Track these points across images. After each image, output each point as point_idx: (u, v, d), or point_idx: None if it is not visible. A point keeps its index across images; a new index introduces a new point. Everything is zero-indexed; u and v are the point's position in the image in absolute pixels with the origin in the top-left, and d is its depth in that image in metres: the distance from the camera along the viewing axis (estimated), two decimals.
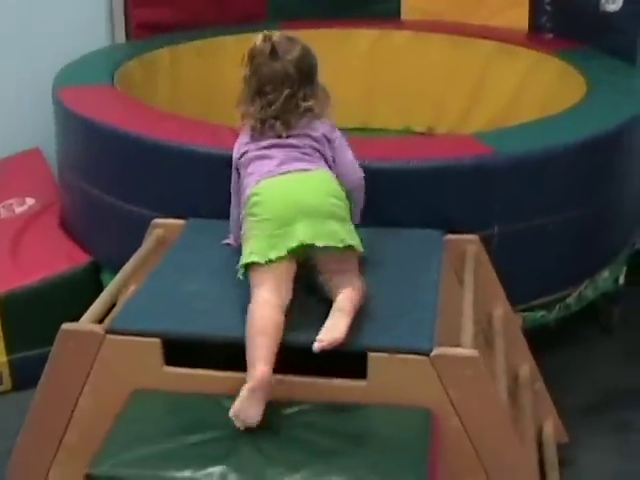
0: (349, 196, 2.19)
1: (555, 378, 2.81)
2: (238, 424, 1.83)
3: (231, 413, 1.82)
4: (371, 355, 1.95)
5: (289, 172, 2.13)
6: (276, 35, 2.18)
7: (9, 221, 3.32)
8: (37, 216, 3.32)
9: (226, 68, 3.73)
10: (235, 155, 2.28)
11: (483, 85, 3.93)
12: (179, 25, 4.01)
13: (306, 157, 2.17)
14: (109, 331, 2.05)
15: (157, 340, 2.04)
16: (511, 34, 3.93)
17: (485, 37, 3.91)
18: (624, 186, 2.94)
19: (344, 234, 2.04)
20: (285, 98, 2.15)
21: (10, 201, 3.48)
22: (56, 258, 3.03)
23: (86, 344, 2.05)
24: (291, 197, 2.07)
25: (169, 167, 2.64)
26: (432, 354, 1.93)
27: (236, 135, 2.34)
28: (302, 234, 2.01)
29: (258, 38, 2.18)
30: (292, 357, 1.93)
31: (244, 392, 1.82)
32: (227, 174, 2.36)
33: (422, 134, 4.15)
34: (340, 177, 2.21)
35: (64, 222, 3.19)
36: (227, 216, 2.40)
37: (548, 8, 3.89)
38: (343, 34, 4.12)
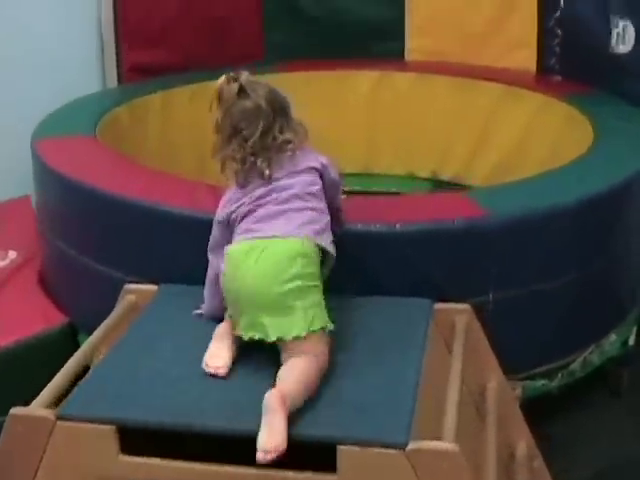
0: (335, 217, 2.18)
1: (561, 447, 2.66)
2: (211, 371, 1.98)
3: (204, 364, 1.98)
4: (341, 448, 1.78)
5: (254, 239, 2.03)
6: (242, 75, 2.11)
7: None
8: (17, 270, 3.17)
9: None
10: (225, 210, 2.15)
11: (488, 129, 3.77)
12: (173, 67, 3.88)
13: (289, 211, 2.07)
14: (60, 417, 1.89)
15: (112, 427, 1.88)
16: (518, 76, 3.77)
17: (491, 79, 3.75)
18: (632, 242, 2.76)
19: (272, 328, 1.95)
20: (261, 132, 2.07)
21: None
22: (32, 318, 2.87)
23: (36, 430, 1.90)
24: (235, 284, 2.01)
25: (141, 228, 2.49)
26: (408, 448, 1.76)
27: (216, 194, 2.23)
28: (241, 323, 2.00)
29: (221, 81, 2.12)
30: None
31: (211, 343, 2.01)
32: (203, 237, 2.22)
33: (426, 180, 3.99)
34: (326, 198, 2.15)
35: (42, 278, 3.04)
36: (203, 282, 2.24)
37: (557, 49, 3.73)
38: (343, 75, 3.98)
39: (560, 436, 2.76)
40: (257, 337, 1.98)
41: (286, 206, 2.08)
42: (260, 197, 2.10)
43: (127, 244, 2.55)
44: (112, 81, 3.88)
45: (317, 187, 2.15)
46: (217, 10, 3.94)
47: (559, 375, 2.63)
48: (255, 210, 2.09)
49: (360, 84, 3.98)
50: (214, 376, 1.98)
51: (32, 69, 3.78)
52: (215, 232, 2.21)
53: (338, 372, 2.01)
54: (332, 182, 2.21)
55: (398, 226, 2.33)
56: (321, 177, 2.18)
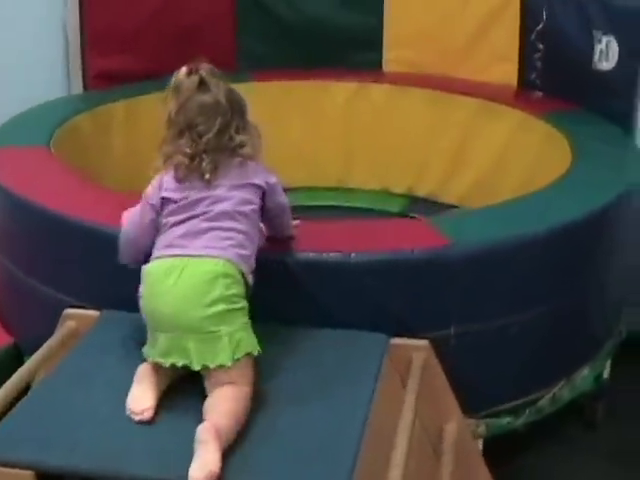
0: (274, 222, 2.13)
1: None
2: (135, 417, 1.84)
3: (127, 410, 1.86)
4: None
5: (175, 256, 1.94)
6: (203, 67, 2.06)
7: None
8: None
9: None
10: (159, 195, 2.03)
11: (465, 146, 3.64)
12: (141, 74, 3.71)
13: (217, 229, 1.97)
14: None
15: (30, 473, 1.75)
16: (498, 91, 3.63)
17: (470, 94, 3.61)
18: (606, 273, 2.63)
19: (196, 354, 1.86)
20: (218, 130, 1.99)
21: None
22: None
23: None
24: (153, 304, 1.93)
25: (84, 249, 2.35)
26: None
27: None
28: (158, 347, 1.91)
29: (181, 72, 2.08)
30: None
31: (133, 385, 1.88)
32: None
33: (401, 196, 3.85)
34: (267, 220, 2.11)
35: None
36: None
37: (538, 64, 3.59)
38: (319, 86, 3.83)
39: (531, 472, 2.66)
40: (180, 364, 1.87)
41: (214, 224, 1.97)
42: (192, 204, 1.98)
43: (70, 265, 2.41)
44: (77, 87, 3.73)
45: (252, 207, 2.03)
46: (187, 17, 3.79)
47: (526, 412, 2.49)
48: (182, 221, 1.98)
49: (336, 95, 3.84)
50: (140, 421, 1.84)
51: None
52: (143, 211, 2.06)
53: (279, 408, 1.89)
54: (277, 204, 2.12)
55: (353, 255, 2.19)
56: (263, 196, 2.07)
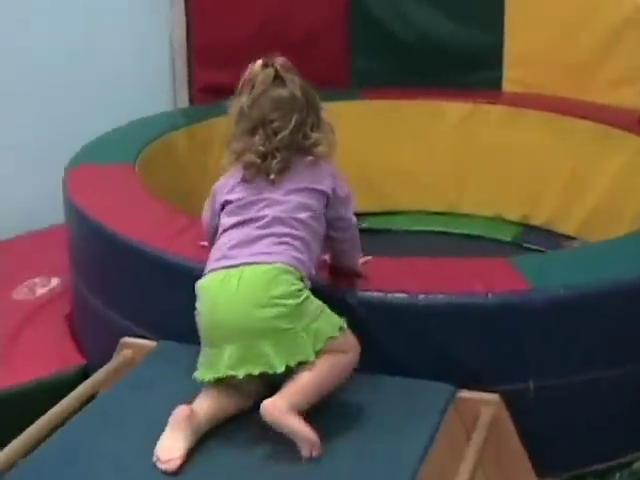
0: (337, 248, 2.02)
1: None
2: (161, 466, 1.69)
3: (154, 457, 1.70)
4: None
5: (229, 267, 1.85)
6: (279, 60, 1.98)
7: (24, 304, 3.03)
8: (52, 301, 3.01)
9: None
10: (220, 199, 1.96)
11: (584, 172, 3.38)
12: None
13: (271, 236, 1.87)
14: None
15: None
16: (621, 115, 3.36)
17: (590, 117, 3.35)
18: None
19: (276, 357, 1.77)
20: (294, 125, 1.89)
21: (36, 279, 3.19)
22: (50, 357, 2.69)
23: None
24: (216, 315, 1.82)
25: (148, 277, 2.25)
26: None
27: None
28: (227, 360, 1.79)
29: (257, 64, 1.99)
30: None
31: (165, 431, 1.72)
32: None
33: (515, 224, 3.62)
34: (329, 241, 2.00)
35: (70, 313, 2.85)
36: None
37: None
38: (431, 106, 3.65)
39: None
40: (257, 371, 1.77)
41: (267, 230, 1.87)
42: (247, 205, 1.90)
43: (133, 291, 2.31)
44: (184, 101, 3.67)
45: (309, 214, 1.91)
46: (297, 31, 3.67)
47: (617, 475, 2.23)
48: (235, 225, 1.90)
49: (450, 116, 3.64)
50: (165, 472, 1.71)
51: (102, 87, 3.64)
52: (212, 214, 2.02)
53: (329, 457, 1.75)
54: (339, 217, 2.01)
55: (421, 297, 2.00)
56: (327, 204, 1.95)
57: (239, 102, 1.96)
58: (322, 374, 1.79)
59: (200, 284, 1.88)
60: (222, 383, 1.81)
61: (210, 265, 1.90)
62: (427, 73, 3.74)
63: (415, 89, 3.70)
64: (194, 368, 1.91)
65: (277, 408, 1.72)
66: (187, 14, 3.52)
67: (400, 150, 3.67)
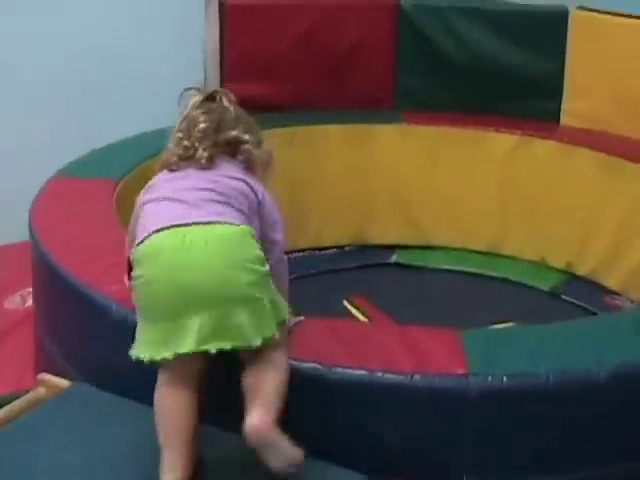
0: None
1: None
2: None
3: None
4: None
5: (187, 225, 1.61)
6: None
7: (11, 313, 3.00)
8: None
9: (321, 162, 3.23)
10: (142, 200, 1.76)
11: (637, 222, 3.01)
12: (282, 104, 3.42)
13: (221, 199, 1.69)
14: None
15: None
16: None
17: None
18: None
19: (251, 328, 1.57)
20: (217, 123, 1.80)
21: (29, 289, 3.06)
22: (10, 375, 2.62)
23: None
24: (182, 278, 1.56)
25: (78, 314, 2.06)
26: None
27: None
28: (195, 334, 1.54)
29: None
30: None
31: None
32: None
33: (558, 271, 3.30)
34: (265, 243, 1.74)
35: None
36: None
37: None
38: (476, 136, 3.36)
39: None
40: (229, 346, 1.56)
41: (209, 195, 1.70)
42: (180, 178, 1.76)
43: (65, 324, 2.14)
44: None
45: (246, 201, 1.73)
46: (340, 46, 3.45)
47: None
48: (171, 198, 1.70)
49: (495, 147, 3.35)
50: None
51: (133, 95, 3.54)
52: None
53: None
54: (273, 222, 1.82)
55: (336, 370, 1.75)
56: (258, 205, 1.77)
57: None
58: (283, 367, 1.63)
59: (145, 246, 1.62)
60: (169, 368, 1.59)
61: (148, 229, 1.64)
62: (478, 98, 3.47)
63: (462, 114, 3.41)
64: (100, 416, 1.80)
65: (266, 426, 1.54)
66: (221, 25, 3.32)
67: (441, 180, 3.41)
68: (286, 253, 3.24)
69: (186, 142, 1.78)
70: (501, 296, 3.25)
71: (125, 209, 2.39)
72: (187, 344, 1.55)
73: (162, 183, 1.76)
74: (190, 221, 1.62)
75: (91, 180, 2.64)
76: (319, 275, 3.37)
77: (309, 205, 3.37)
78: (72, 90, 3.55)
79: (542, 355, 1.80)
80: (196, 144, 1.77)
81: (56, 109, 3.55)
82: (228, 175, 1.75)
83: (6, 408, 2.00)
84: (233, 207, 1.69)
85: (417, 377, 1.74)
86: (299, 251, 3.43)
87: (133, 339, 1.65)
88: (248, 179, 1.77)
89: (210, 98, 1.85)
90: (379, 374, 1.75)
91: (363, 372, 1.75)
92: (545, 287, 3.27)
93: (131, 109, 3.55)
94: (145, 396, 1.66)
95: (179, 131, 1.82)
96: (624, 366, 1.78)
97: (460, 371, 1.75)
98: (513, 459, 1.78)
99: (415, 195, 3.42)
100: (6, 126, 3.44)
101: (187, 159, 1.76)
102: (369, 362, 1.77)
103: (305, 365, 1.76)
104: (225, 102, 1.85)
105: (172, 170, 1.78)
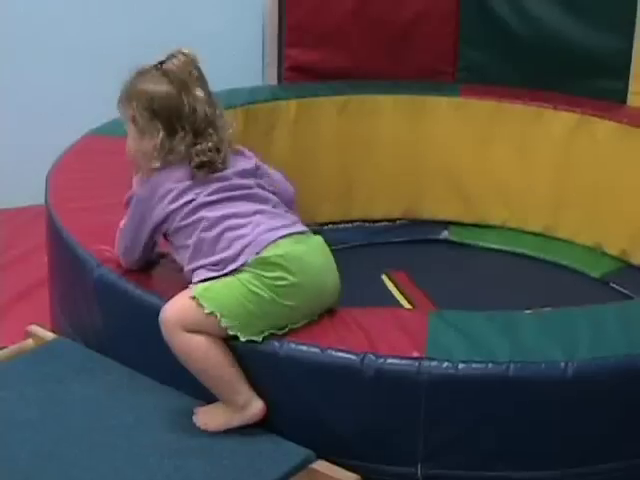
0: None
1: None
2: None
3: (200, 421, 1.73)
4: None
5: (292, 235, 1.79)
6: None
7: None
8: None
9: (372, 132, 3.18)
10: (168, 197, 1.80)
11: None
12: (342, 72, 3.38)
13: (281, 211, 1.86)
14: None
15: None
16: None
17: None
18: None
19: None
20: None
21: None
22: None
23: None
24: (324, 279, 1.79)
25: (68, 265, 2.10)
26: None
27: None
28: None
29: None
30: None
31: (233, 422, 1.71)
32: None
33: (612, 258, 3.17)
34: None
35: None
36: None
37: None
38: (533, 112, 3.24)
39: None
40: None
41: (272, 204, 1.90)
42: (224, 191, 1.84)
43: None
44: (273, 78, 3.48)
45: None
46: (401, 15, 3.38)
47: None
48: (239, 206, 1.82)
49: (553, 125, 3.21)
50: None
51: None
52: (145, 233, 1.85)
53: None
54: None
55: (285, 346, 1.72)
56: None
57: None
58: None
59: (285, 251, 1.73)
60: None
61: (266, 237, 1.75)
62: (541, 75, 3.35)
63: (521, 90, 3.29)
64: (73, 371, 1.88)
65: None
66: None
67: (495, 157, 3.31)
68: (334, 223, 3.28)
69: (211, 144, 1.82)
70: (548, 280, 3.15)
71: None
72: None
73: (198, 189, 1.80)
74: (295, 230, 1.79)
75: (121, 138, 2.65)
76: (364, 247, 3.34)
77: (359, 175, 3.33)
78: (133, 56, 3.54)
79: (506, 343, 1.71)
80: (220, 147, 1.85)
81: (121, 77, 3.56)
82: (241, 171, 1.87)
83: None
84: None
85: (367, 359, 1.68)
86: (348, 222, 3.39)
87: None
88: (251, 163, 1.92)
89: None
90: (331, 352, 1.70)
91: (311, 349, 1.71)
92: (596, 274, 3.14)
93: None
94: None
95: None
96: (591, 361, 1.68)
97: (414, 353, 1.69)
98: (470, 450, 1.71)
99: (468, 171, 3.33)
100: (58, 87, 3.47)
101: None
102: (322, 340, 1.73)
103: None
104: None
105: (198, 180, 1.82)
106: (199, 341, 1.68)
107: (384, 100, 3.27)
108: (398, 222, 3.43)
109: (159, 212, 1.80)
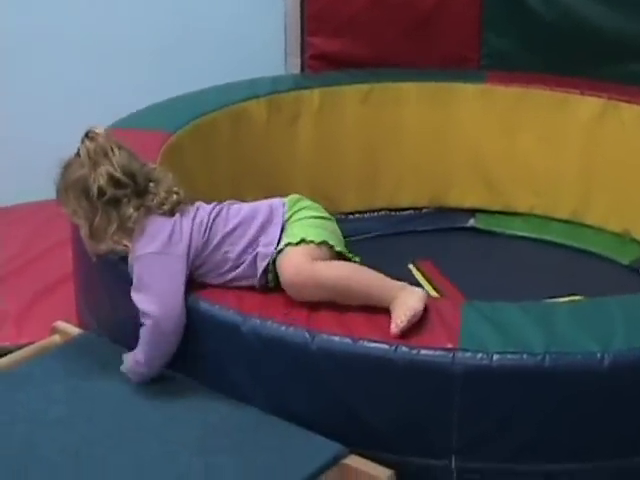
0: None
1: None
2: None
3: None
4: None
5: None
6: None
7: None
8: None
9: (397, 121, 3.15)
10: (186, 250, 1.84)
11: None
12: (365, 61, 3.34)
13: None
14: None
15: None
16: None
17: None
18: None
19: None
20: None
21: None
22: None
23: None
24: None
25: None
26: None
27: None
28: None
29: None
30: None
31: (408, 314, 1.69)
32: None
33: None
34: None
35: None
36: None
37: None
38: (560, 98, 3.18)
39: None
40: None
41: None
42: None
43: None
44: (295, 67, 3.45)
45: None
46: (424, 2, 3.31)
47: None
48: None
49: (579, 111, 3.15)
50: None
51: (215, 49, 3.52)
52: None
53: None
54: None
55: (317, 337, 1.69)
56: None
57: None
58: None
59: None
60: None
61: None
62: (567, 61, 3.28)
63: (547, 76, 3.24)
64: (100, 367, 1.88)
65: None
66: None
67: (521, 143, 3.26)
68: (360, 212, 3.25)
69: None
70: (577, 267, 3.10)
71: (174, 159, 2.43)
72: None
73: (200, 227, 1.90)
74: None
75: (144, 131, 2.63)
76: (391, 236, 3.30)
77: (383, 164, 3.29)
78: (156, 46, 3.53)
79: (541, 334, 1.68)
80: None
81: (142, 67, 3.54)
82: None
83: (18, 352, 2.04)
84: None
85: (400, 349, 1.65)
86: (373, 211, 3.36)
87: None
88: None
89: None
90: (363, 343, 1.67)
91: (341, 339, 1.68)
92: (625, 261, 3.09)
93: (211, 64, 3.50)
94: None
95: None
96: (627, 352, 1.64)
97: (447, 345, 1.66)
98: (505, 442, 1.68)
99: (495, 158, 3.28)
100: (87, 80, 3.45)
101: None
102: (351, 330, 1.70)
103: (290, 330, 1.71)
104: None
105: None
106: (332, 262, 1.80)
107: (408, 88, 3.23)
108: (424, 211, 3.39)
109: (183, 249, 1.82)
